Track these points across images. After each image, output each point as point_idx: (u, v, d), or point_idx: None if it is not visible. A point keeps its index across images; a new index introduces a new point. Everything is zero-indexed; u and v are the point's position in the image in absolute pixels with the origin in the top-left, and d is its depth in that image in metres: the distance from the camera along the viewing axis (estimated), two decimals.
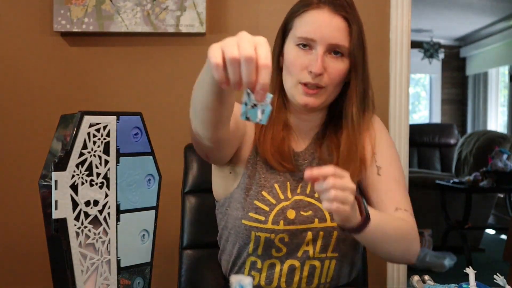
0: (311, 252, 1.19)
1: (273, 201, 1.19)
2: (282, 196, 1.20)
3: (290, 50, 1.19)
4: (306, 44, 1.17)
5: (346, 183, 0.96)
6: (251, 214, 1.18)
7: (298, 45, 1.17)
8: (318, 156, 1.26)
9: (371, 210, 1.08)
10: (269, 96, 0.78)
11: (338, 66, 1.17)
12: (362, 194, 1.28)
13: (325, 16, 1.16)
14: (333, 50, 1.17)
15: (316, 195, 1.21)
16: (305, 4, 1.19)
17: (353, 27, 1.17)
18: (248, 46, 0.77)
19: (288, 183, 1.22)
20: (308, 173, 0.94)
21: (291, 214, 1.18)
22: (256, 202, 1.19)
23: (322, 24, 1.16)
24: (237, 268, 1.26)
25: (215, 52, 0.79)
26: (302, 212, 1.19)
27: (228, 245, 1.26)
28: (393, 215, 1.19)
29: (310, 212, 1.19)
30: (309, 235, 1.18)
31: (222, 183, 1.27)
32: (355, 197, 1.01)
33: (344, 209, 0.96)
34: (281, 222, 1.17)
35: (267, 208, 1.18)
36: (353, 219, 1.03)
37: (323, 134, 1.28)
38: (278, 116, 1.24)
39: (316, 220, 1.18)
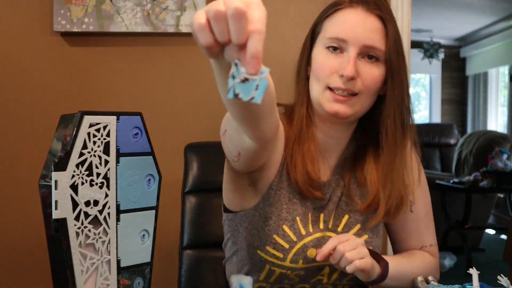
0: (325, 280, 1.13)
1: (294, 238, 1.08)
2: (303, 232, 1.09)
3: (319, 53, 1.08)
4: (337, 47, 1.05)
5: (354, 241, 0.99)
6: (268, 248, 1.08)
7: (328, 47, 1.06)
8: (344, 184, 1.14)
9: (385, 256, 1.06)
10: (265, 70, 0.62)
11: (372, 72, 1.05)
12: (387, 228, 1.24)
13: (359, 15, 1.05)
14: (367, 53, 1.04)
15: (339, 229, 1.12)
16: (336, 4, 1.08)
17: (389, 28, 1.05)
18: (237, 1, 0.60)
19: (309, 214, 1.10)
20: (320, 256, 0.98)
21: (312, 253, 1.08)
22: (275, 236, 1.08)
23: (355, 24, 1.04)
24: None
25: (198, 14, 0.63)
26: None
27: (236, 261, 1.18)
28: (411, 256, 1.17)
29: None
30: (327, 269, 1.10)
31: (237, 193, 1.14)
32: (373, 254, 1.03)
33: (366, 262, 0.98)
34: (300, 261, 1.08)
35: (286, 246, 1.08)
36: (375, 269, 1.03)
37: (352, 156, 1.15)
38: (307, 133, 1.10)
39: None
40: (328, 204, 1.12)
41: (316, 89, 1.07)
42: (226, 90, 0.72)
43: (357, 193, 1.14)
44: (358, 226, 1.12)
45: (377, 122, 1.11)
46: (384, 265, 1.04)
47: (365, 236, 1.11)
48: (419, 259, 1.18)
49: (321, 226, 1.11)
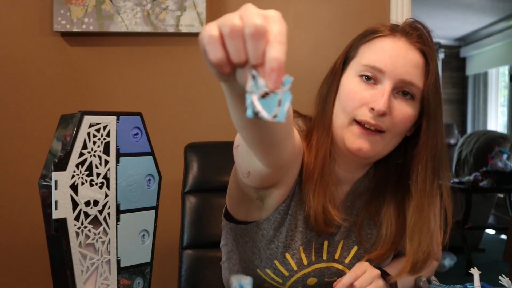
0: None
1: (295, 268, 1.04)
2: (305, 262, 1.04)
3: (349, 80, 0.99)
4: (371, 77, 0.96)
5: (370, 275, 0.98)
6: (268, 271, 1.04)
7: (361, 76, 0.97)
8: (355, 215, 1.07)
9: (390, 271, 1.05)
10: (288, 80, 0.52)
11: (405, 110, 0.96)
12: None
13: (401, 46, 0.96)
14: (403, 89, 0.96)
15: (346, 261, 1.06)
16: (376, 30, 1.00)
17: (431, 66, 0.96)
18: (256, 17, 0.52)
19: (313, 243, 1.05)
20: None
21: (312, 281, 1.05)
22: (276, 262, 1.03)
23: (396, 55, 0.95)
24: None
25: (209, 26, 0.55)
26: (326, 279, 1.06)
27: (234, 269, 1.15)
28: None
29: (335, 278, 1.04)
30: None
31: (243, 204, 1.09)
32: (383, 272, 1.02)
33: None
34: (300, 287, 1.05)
35: (286, 274, 1.04)
36: None
37: (366, 192, 1.08)
38: (328, 168, 1.01)
39: None
40: (335, 233, 1.06)
41: (341, 121, 0.99)
42: (237, 112, 0.68)
43: (367, 235, 1.08)
44: (366, 257, 1.07)
45: (399, 164, 1.03)
46: (394, 286, 1.04)
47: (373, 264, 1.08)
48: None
49: (325, 257, 1.05)
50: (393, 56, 0.95)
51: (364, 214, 1.06)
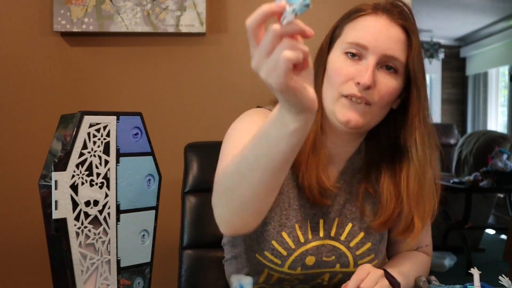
0: (324, 283, 1.13)
1: (293, 246, 1.07)
2: (302, 239, 1.07)
3: (336, 58, 1.04)
4: (356, 54, 1.01)
5: (374, 276, 1.00)
6: (267, 253, 1.07)
7: (346, 53, 1.02)
8: (348, 189, 1.12)
9: (395, 275, 1.06)
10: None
11: (389, 83, 1.01)
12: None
13: (382, 23, 1.02)
14: (386, 63, 1.01)
15: (342, 238, 1.10)
16: (359, 9, 1.05)
17: (413, 40, 1.02)
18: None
19: (308, 221, 1.08)
20: None
21: (311, 260, 1.07)
22: (274, 242, 1.06)
23: (378, 31, 1.00)
24: None
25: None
26: (324, 258, 1.09)
27: (235, 262, 1.18)
28: (411, 260, 1.17)
29: (333, 257, 1.09)
30: (326, 276, 1.10)
31: None
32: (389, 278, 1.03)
33: None
34: (299, 268, 1.07)
35: (285, 253, 1.06)
36: None
37: (359, 165, 1.13)
38: (320, 141, 1.07)
39: (338, 265, 1.09)
40: (329, 210, 1.10)
41: (329, 97, 1.04)
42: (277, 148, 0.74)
43: (369, 207, 1.12)
44: (362, 235, 1.11)
45: (390, 136, 1.08)
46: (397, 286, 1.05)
47: (369, 244, 1.10)
48: (419, 262, 1.19)
49: (321, 234, 1.09)
50: (375, 32, 1.00)
51: (362, 190, 1.10)
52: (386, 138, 1.10)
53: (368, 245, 1.10)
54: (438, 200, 1.09)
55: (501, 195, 4.95)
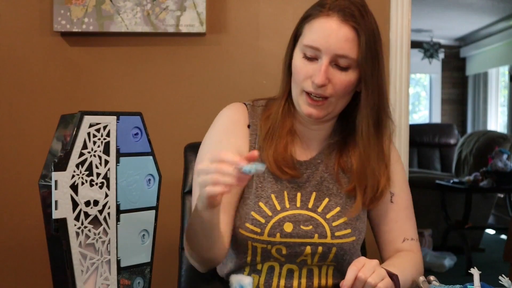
0: (309, 261, 1.18)
1: (270, 213, 1.16)
2: (279, 207, 1.17)
3: (296, 58, 1.16)
4: (312, 56, 1.12)
5: (370, 265, 1.01)
6: (247, 224, 1.16)
7: (304, 54, 1.13)
8: (325, 169, 1.22)
9: (391, 269, 1.07)
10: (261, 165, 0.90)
11: (343, 78, 1.12)
12: (371, 222, 1.27)
13: (333, 25, 1.10)
14: (339, 61, 1.11)
15: (319, 210, 1.18)
16: (316, 9, 1.14)
17: (361, 38, 1.11)
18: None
19: (285, 192, 1.19)
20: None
21: (289, 227, 1.15)
22: (252, 213, 1.16)
23: (328, 34, 1.10)
24: (236, 272, 1.25)
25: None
26: (302, 226, 1.16)
27: (229, 251, 1.24)
28: (405, 258, 1.20)
29: (310, 227, 1.16)
30: (308, 249, 1.16)
31: None
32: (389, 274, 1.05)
33: (387, 282, 1.01)
34: (278, 234, 1.15)
35: (263, 220, 1.15)
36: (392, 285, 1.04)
37: (336, 145, 1.24)
38: (283, 123, 1.20)
39: (316, 235, 1.16)
40: (306, 184, 1.20)
41: (294, 90, 1.17)
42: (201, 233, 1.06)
43: (344, 179, 1.22)
44: (338, 209, 1.19)
45: (355, 117, 1.19)
46: (396, 279, 1.06)
47: (345, 218, 1.18)
48: (410, 261, 1.20)
49: (298, 204, 1.18)
50: (326, 35, 1.11)
51: (337, 167, 1.21)
52: (352, 120, 1.20)
53: (344, 219, 1.18)
54: (385, 181, 1.20)
55: (501, 195, 4.95)
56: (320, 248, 1.16)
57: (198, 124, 1.97)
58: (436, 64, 7.46)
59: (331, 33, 1.10)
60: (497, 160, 4.29)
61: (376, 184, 1.18)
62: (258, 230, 1.15)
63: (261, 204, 1.17)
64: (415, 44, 6.61)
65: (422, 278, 1.05)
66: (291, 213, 1.16)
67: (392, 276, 1.05)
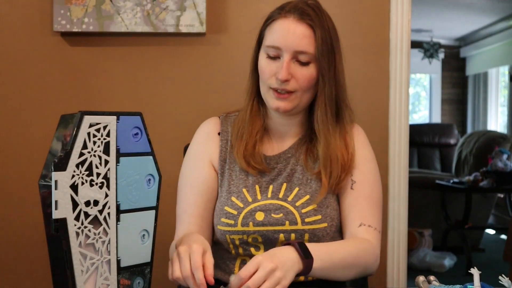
0: None
1: (241, 205, 1.24)
2: (250, 199, 1.24)
3: (261, 59, 1.25)
4: (275, 55, 1.22)
5: (263, 270, 0.99)
6: (222, 219, 1.24)
7: (267, 54, 1.23)
8: (295, 162, 1.28)
9: (314, 248, 1.09)
10: None
11: (305, 72, 1.21)
12: (339, 203, 1.29)
13: (290, 24, 1.21)
14: (299, 57, 1.20)
15: (289, 199, 1.24)
16: (275, 13, 1.25)
17: (317, 34, 1.20)
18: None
19: (256, 186, 1.26)
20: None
21: (260, 216, 1.22)
22: (226, 207, 1.24)
23: (287, 33, 1.20)
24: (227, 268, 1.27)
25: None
26: (273, 215, 1.22)
27: (217, 249, 1.30)
28: (344, 242, 1.22)
29: (281, 215, 1.22)
30: (281, 236, 1.21)
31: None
32: (290, 244, 1.08)
33: (284, 285, 1.00)
34: (250, 223, 1.21)
35: (235, 212, 1.23)
36: (295, 269, 1.04)
37: (306, 138, 1.30)
38: (252, 122, 1.29)
39: (287, 222, 1.21)
40: (277, 177, 1.27)
41: (262, 88, 1.26)
42: None
43: (313, 170, 1.27)
44: (307, 197, 1.24)
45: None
46: (306, 265, 1.06)
47: (314, 206, 1.23)
48: (353, 243, 1.21)
49: (269, 195, 1.25)
50: (284, 34, 1.20)
51: (306, 156, 1.28)
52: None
53: (314, 206, 1.23)
54: (348, 167, 1.26)
55: (501, 195, 4.95)
56: (293, 235, 1.21)
57: (198, 124, 1.97)
58: (436, 64, 7.46)
59: (289, 32, 1.20)
60: (497, 160, 4.29)
61: (338, 169, 1.24)
62: (232, 222, 1.23)
63: (233, 198, 1.25)
64: (415, 44, 6.61)
65: (421, 278, 1.05)
66: (262, 203, 1.24)
67: (304, 259, 1.05)
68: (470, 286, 0.91)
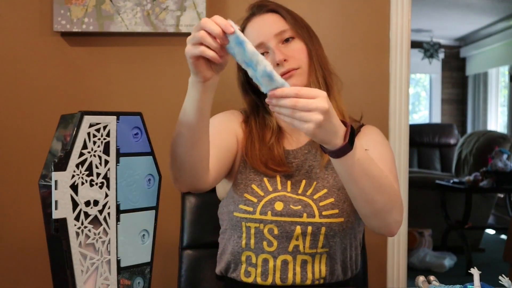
0: (301, 247, 1.22)
1: (261, 193, 1.25)
2: (270, 188, 1.26)
3: None
4: (263, 50, 1.27)
5: (310, 103, 0.93)
6: (241, 206, 1.25)
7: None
8: (313, 158, 1.30)
9: (359, 145, 1.03)
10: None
11: (295, 47, 1.28)
12: None
13: (259, 19, 1.31)
14: (282, 38, 1.28)
15: (308, 193, 1.26)
16: (246, 19, 1.35)
17: (282, 13, 1.30)
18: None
19: (277, 177, 1.28)
20: (271, 93, 0.97)
21: (279, 206, 1.23)
22: (245, 194, 1.25)
23: (259, 26, 1.30)
24: (234, 265, 1.27)
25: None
26: (291, 206, 1.23)
27: (226, 242, 1.31)
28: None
29: (299, 206, 1.23)
30: (298, 229, 1.22)
31: (220, 184, 1.36)
32: (343, 122, 1.00)
33: (308, 127, 0.94)
34: (269, 212, 1.22)
35: (255, 200, 1.24)
36: (331, 141, 0.98)
37: None
38: (263, 124, 1.33)
39: (305, 214, 1.22)
40: (296, 173, 1.29)
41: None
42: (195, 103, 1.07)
43: (330, 164, 1.28)
44: (325, 191, 1.26)
45: None
46: (344, 147, 0.99)
47: (332, 199, 1.24)
48: (387, 176, 1.14)
49: (289, 189, 1.26)
50: (259, 28, 1.30)
51: (322, 151, 1.27)
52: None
53: (331, 200, 1.24)
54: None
55: (501, 195, 4.95)
56: (309, 228, 1.22)
57: None
58: (436, 64, 7.46)
59: (261, 25, 1.30)
60: (497, 160, 4.29)
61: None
62: (251, 209, 1.23)
63: (254, 186, 1.26)
64: (415, 44, 6.63)
65: (422, 278, 1.05)
66: (282, 194, 1.25)
67: (343, 121, 1.00)
68: (470, 286, 0.91)
